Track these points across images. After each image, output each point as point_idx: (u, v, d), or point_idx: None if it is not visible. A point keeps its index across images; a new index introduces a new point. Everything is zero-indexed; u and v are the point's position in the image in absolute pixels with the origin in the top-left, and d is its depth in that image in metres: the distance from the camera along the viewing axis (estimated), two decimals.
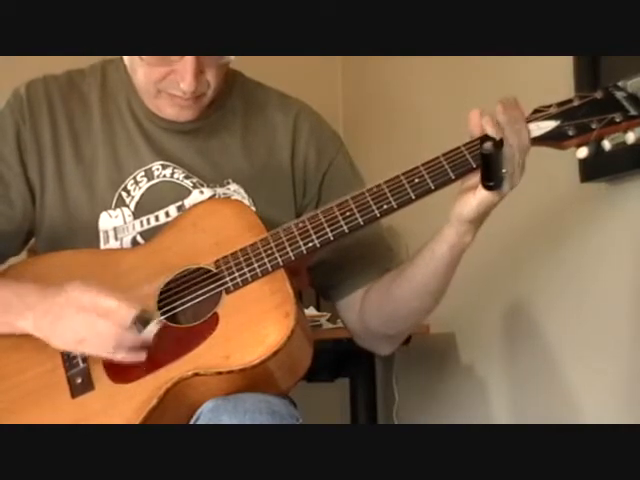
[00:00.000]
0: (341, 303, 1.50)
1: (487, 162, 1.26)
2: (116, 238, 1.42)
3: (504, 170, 1.25)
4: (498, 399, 2.25)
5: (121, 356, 1.26)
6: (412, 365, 2.59)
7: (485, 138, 1.25)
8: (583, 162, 1.84)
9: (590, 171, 1.84)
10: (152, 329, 1.27)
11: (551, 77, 1.98)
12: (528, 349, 2.12)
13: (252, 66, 1.56)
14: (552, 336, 2.05)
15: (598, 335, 1.89)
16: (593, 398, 1.92)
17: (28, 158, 1.44)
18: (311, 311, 2.19)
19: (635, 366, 1.80)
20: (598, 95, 1.31)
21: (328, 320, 2.22)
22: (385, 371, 2.68)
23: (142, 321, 1.26)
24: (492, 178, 1.26)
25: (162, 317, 1.30)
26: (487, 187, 1.26)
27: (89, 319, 1.25)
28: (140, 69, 1.41)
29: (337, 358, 2.34)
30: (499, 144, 1.25)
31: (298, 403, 1.38)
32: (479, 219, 1.30)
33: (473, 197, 1.27)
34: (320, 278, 1.48)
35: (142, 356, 1.27)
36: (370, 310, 1.46)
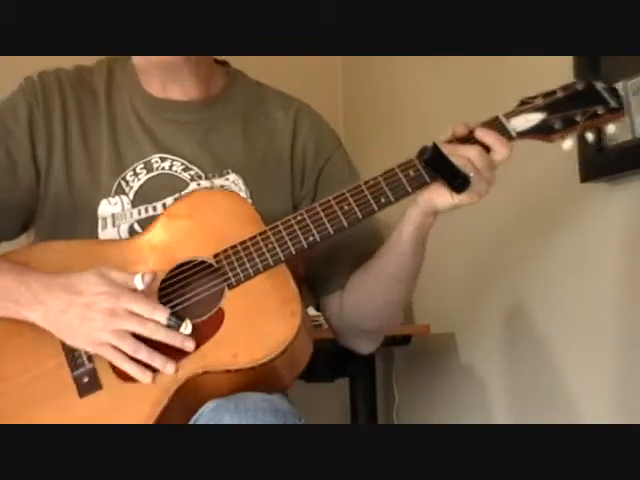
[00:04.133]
0: (324, 300, 1.51)
1: (436, 166, 1.29)
2: (114, 225, 1.42)
3: (455, 162, 1.28)
4: (498, 399, 2.25)
5: (129, 367, 1.26)
6: (412, 365, 2.59)
7: (422, 150, 1.30)
8: (583, 162, 1.84)
9: (590, 171, 1.84)
10: (187, 331, 1.26)
11: (551, 77, 1.97)
12: (528, 349, 2.12)
13: (252, 66, 1.56)
14: (552, 336, 2.05)
15: (598, 335, 1.89)
16: (592, 398, 1.92)
17: (38, 139, 1.45)
18: (311, 311, 2.18)
19: (635, 366, 1.80)
20: (579, 86, 1.34)
21: None
22: (385, 371, 2.68)
23: (175, 323, 1.26)
24: (453, 179, 1.28)
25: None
26: (457, 189, 1.29)
27: (121, 325, 1.25)
28: None
29: (337, 358, 2.33)
30: (432, 145, 1.29)
31: (298, 403, 1.38)
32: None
33: (452, 197, 1.30)
34: (307, 272, 1.48)
35: (148, 377, 1.26)
36: (349, 305, 1.47)
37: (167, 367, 1.25)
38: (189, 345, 1.26)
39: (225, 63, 1.56)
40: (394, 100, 2.76)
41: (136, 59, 1.49)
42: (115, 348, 1.26)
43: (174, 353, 1.27)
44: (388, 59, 2.60)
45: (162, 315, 1.25)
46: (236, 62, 1.56)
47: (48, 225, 1.45)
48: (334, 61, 3.04)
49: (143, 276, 1.28)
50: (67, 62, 1.51)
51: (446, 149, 1.29)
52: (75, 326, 1.27)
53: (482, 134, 1.31)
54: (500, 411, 2.24)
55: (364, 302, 1.46)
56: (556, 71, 1.93)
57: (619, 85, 1.81)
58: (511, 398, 2.21)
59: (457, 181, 1.28)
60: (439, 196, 1.31)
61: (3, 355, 1.32)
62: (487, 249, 2.20)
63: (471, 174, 1.28)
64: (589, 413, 1.92)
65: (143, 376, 1.26)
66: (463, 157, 1.28)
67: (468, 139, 1.31)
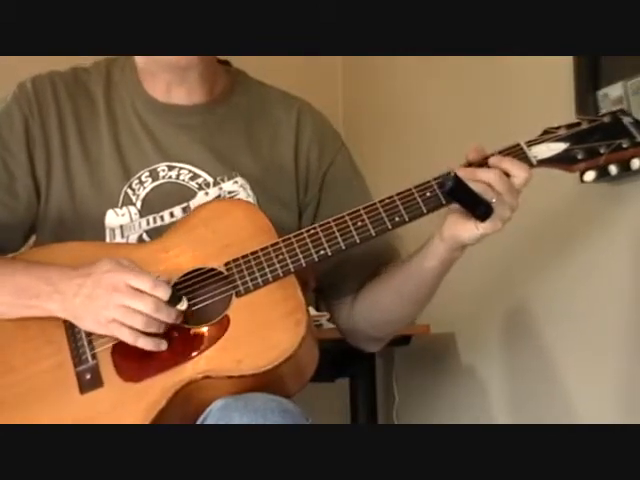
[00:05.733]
0: (334, 304, 1.51)
1: (457, 197, 1.27)
2: (122, 236, 1.42)
3: (479, 192, 1.26)
4: (498, 399, 2.26)
5: (143, 342, 1.27)
6: (412, 365, 2.59)
7: (443, 181, 1.27)
8: None
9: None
10: (183, 307, 1.27)
11: (551, 77, 1.98)
12: (528, 349, 2.12)
13: (252, 66, 1.56)
14: (552, 336, 2.05)
15: (598, 335, 1.89)
16: (593, 398, 1.92)
17: (36, 152, 1.44)
18: (311, 311, 2.19)
19: (635, 367, 1.80)
20: (606, 119, 1.33)
21: (328, 320, 2.22)
22: (385, 371, 2.68)
23: (173, 301, 1.27)
24: (475, 207, 1.27)
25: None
26: (480, 218, 1.27)
27: (122, 300, 1.26)
28: None
29: (337, 358, 2.33)
30: (453, 177, 1.26)
31: (298, 403, 1.38)
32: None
33: (477, 227, 1.29)
34: (317, 277, 1.48)
35: (163, 345, 1.27)
36: (359, 313, 1.48)
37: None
38: (179, 320, 1.27)
39: (226, 63, 1.55)
40: (394, 100, 2.77)
41: (141, 60, 1.47)
42: (123, 325, 1.26)
43: (177, 356, 1.27)
44: (388, 59, 2.60)
45: (164, 291, 1.26)
46: (236, 62, 1.56)
47: (52, 238, 1.44)
48: (334, 61, 3.05)
49: (159, 277, 1.28)
50: (66, 62, 1.50)
51: (463, 173, 1.28)
52: (84, 307, 1.28)
53: (497, 161, 1.29)
54: (500, 411, 2.24)
55: (376, 314, 1.47)
56: (556, 71, 1.94)
57: (619, 85, 1.82)
58: (511, 398, 2.22)
59: (480, 209, 1.27)
60: (464, 230, 1.30)
61: (10, 348, 1.33)
62: (487, 249, 2.20)
63: (493, 200, 1.27)
64: (589, 413, 1.92)
65: (159, 346, 1.27)
66: (483, 182, 1.27)
67: (482, 165, 1.30)
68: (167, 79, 1.46)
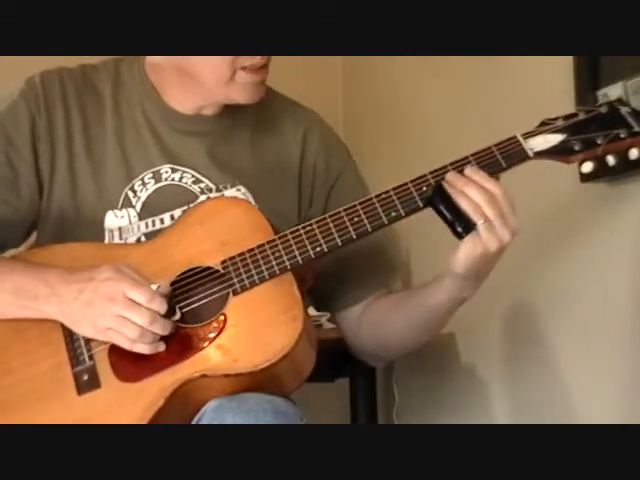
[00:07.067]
0: (339, 315, 1.52)
1: (436, 207, 1.26)
2: (121, 238, 1.42)
3: (464, 209, 1.24)
4: (498, 399, 2.25)
5: (141, 347, 1.27)
6: (412, 365, 2.58)
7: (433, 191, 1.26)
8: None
9: (590, 171, 1.84)
10: (176, 317, 1.29)
11: (551, 77, 1.98)
12: (528, 350, 2.12)
13: None
14: (552, 336, 2.05)
15: (598, 336, 1.89)
16: (594, 399, 1.92)
17: (41, 149, 1.44)
18: (311, 311, 2.18)
19: (636, 367, 1.80)
20: (603, 110, 1.33)
21: (328, 320, 2.21)
22: (385, 371, 2.68)
23: (169, 313, 1.28)
24: (455, 222, 1.25)
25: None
26: (458, 234, 1.25)
27: (119, 310, 1.26)
28: (210, 60, 1.39)
29: (337, 358, 2.32)
30: (434, 187, 1.25)
31: (298, 403, 1.38)
32: (473, 274, 1.31)
33: (459, 250, 1.28)
34: (319, 289, 1.48)
35: (161, 347, 1.28)
36: (366, 332, 1.49)
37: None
38: (172, 330, 1.28)
39: None
40: (394, 100, 2.76)
41: (159, 60, 1.47)
42: (119, 333, 1.27)
43: (174, 355, 1.27)
44: (388, 59, 2.60)
45: (160, 305, 1.26)
46: None
47: (52, 235, 1.44)
48: (334, 61, 3.04)
49: (159, 287, 1.29)
50: (66, 62, 1.50)
51: (451, 182, 1.27)
52: (82, 313, 1.29)
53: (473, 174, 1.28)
54: (500, 411, 2.24)
55: (384, 337, 1.48)
56: (556, 71, 1.94)
57: (619, 85, 1.82)
58: (511, 398, 2.21)
59: (458, 225, 1.25)
60: (452, 257, 1.29)
61: (9, 350, 1.33)
62: None
63: (480, 222, 1.25)
64: (590, 413, 1.92)
65: (156, 349, 1.28)
66: (471, 201, 1.26)
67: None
68: (179, 86, 1.45)
